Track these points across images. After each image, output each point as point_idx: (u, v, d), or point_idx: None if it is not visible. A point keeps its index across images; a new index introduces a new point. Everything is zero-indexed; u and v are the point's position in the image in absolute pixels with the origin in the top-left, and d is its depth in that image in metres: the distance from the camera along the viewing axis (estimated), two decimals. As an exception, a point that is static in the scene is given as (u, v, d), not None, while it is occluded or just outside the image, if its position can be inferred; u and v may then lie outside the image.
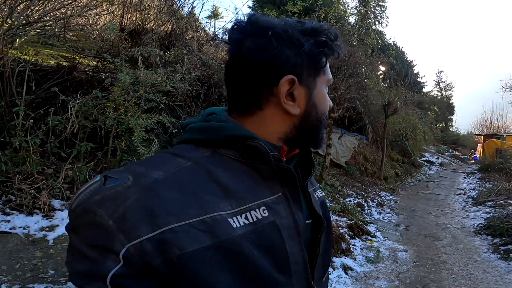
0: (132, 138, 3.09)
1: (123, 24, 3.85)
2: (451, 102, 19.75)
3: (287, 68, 0.49)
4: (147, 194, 0.39)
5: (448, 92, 20.21)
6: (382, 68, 11.00)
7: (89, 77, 3.60)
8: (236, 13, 5.78)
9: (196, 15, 4.37)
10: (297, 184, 0.51)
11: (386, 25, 9.91)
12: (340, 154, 9.50)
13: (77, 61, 3.71)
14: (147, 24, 3.95)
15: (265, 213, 0.45)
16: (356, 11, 10.06)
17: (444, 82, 20.26)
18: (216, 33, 4.81)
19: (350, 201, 6.44)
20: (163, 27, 4.14)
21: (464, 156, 15.92)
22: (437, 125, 17.22)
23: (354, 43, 7.73)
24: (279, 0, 7.96)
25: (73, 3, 3.45)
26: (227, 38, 0.53)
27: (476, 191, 7.77)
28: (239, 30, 0.50)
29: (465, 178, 10.17)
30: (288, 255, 0.46)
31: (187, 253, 0.38)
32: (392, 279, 3.14)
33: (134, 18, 3.88)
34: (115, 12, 3.98)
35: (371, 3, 9.66)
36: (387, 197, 7.12)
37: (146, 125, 3.18)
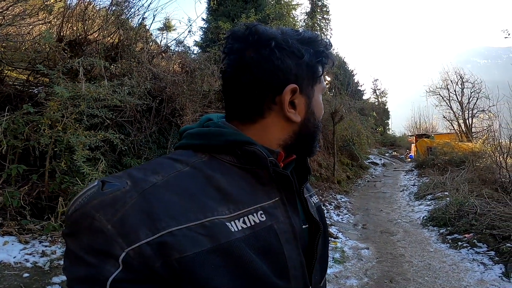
0: (74, 158, 2.72)
1: (61, 34, 3.44)
2: (386, 107, 22.11)
3: (290, 78, 0.50)
4: (146, 198, 0.39)
5: (384, 99, 22.67)
6: (328, 78, 11.83)
7: (18, 91, 3.11)
8: (190, 25, 5.66)
9: (147, 26, 4.15)
10: (294, 189, 0.51)
11: (331, 36, 10.73)
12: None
13: (4, 74, 3.18)
14: (90, 34, 3.59)
15: (262, 217, 0.46)
16: (304, 24, 10.74)
17: (379, 89, 22.69)
18: (169, 45, 4.62)
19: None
20: (109, 38, 3.82)
21: (401, 156, 17.77)
22: (377, 129, 19.01)
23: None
24: (233, 13, 8.10)
25: (4, 12, 2.98)
26: (225, 47, 0.53)
27: (416, 186, 8.63)
28: (240, 40, 0.51)
29: (405, 175, 11.27)
30: (286, 260, 0.46)
31: (186, 257, 0.38)
32: (361, 276, 3.23)
33: (75, 28, 3.50)
34: (53, 22, 3.55)
35: (318, 16, 10.43)
36: (343, 199, 7.48)
37: (89, 143, 2.84)
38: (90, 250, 0.37)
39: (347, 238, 4.43)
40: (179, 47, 4.59)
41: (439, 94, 16.60)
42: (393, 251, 3.96)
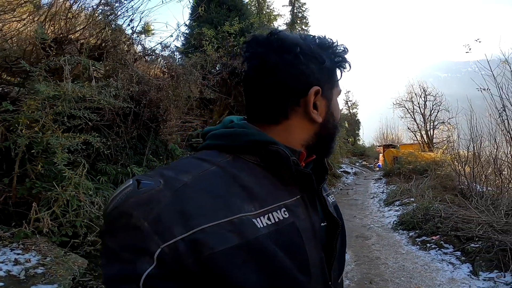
0: (53, 161, 2.57)
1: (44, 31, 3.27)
2: (357, 118, 23.28)
3: (313, 81, 0.53)
4: (179, 197, 0.41)
5: (355, 110, 23.83)
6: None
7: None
8: (178, 29, 5.60)
9: (134, 28, 4.07)
10: (314, 188, 0.53)
11: None
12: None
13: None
14: (73, 34, 3.45)
15: (285, 215, 0.47)
16: None
17: (351, 101, 23.86)
18: (154, 48, 4.54)
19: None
20: (94, 37, 3.69)
21: (371, 165, 18.72)
22: (348, 140, 19.86)
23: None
24: (217, 21, 8.13)
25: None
26: (246, 51, 0.55)
27: (385, 193, 9.12)
28: (263, 45, 0.53)
29: (375, 183, 11.86)
30: (307, 256, 0.48)
31: (217, 253, 0.39)
32: (342, 279, 3.35)
33: (57, 26, 3.35)
34: (28, 19, 3.36)
35: (297, 27, 10.79)
36: None
37: (69, 146, 2.71)
38: (126, 247, 0.39)
39: (326, 243, 4.56)
40: (164, 51, 4.56)
41: (404, 107, 17.87)
42: (369, 254, 4.16)
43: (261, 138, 0.50)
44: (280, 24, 11.65)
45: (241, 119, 0.58)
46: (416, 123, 17.15)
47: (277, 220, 0.46)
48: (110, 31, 3.56)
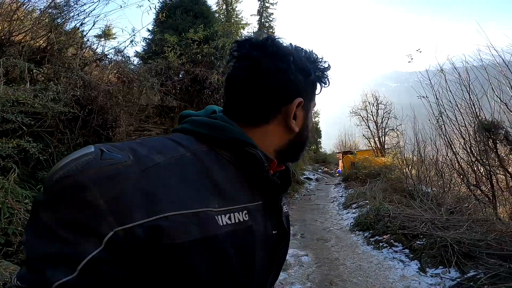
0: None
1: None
2: (318, 126, 24.35)
3: (298, 92, 0.55)
4: (149, 177, 0.37)
5: (316, 119, 24.94)
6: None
7: None
8: (134, 35, 5.35)
9: (84, 32, 3.79)
10: (277, 197, 0.55)
11: None
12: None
13: None
14: (16, 36, 3.12)
15: (246, 217, 0.47)
16: None
17: (313, 110, 25.07)
18: (106, 53, 4.28)
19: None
20: (38, 40, 3.37)
21: (331, 171, 19.57)
22: (311, 147, 20.62)
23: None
24: (182, 27, 7.93)
25: None
26: (239, 52, 0.55)
27: (343, 197, 9.56)
28: (258, 48, 0.54)
29: (335, 188, 12.38)
30: (255, 261, 0.48)
31: (176, 244, 0.37)
32: (304, 281, 3.40)
33: (0, 27, 3.01)
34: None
35: (263, 36, 11.10)
36: None
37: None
38: (69, 224, 0.34)
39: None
40: (117, 56, 4.31)
41: (360, 115, 19.12)
42: (329, 255, 4.28)
43: (243, 138, 0.50)
44: (247, 33, 11.94)
45: (221, 111, 0.57)
46: (370, 130, 18.44)
47: (237, 221, 0.45)
48: (56, 34, 3.28)
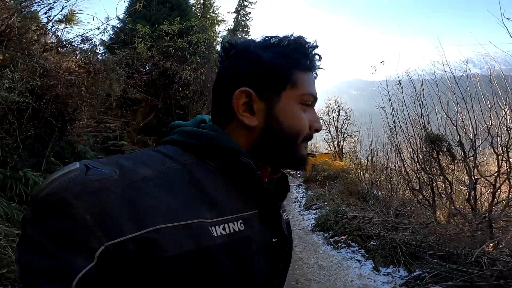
0: None
1: None
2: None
3: (244, 83, 0.51)
4: (135, 191, 0.38)
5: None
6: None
7: None
8: (106, 22, 4.90)
9: (50, 18, 3.38)
10: (273, 204, 0.53)
11: None
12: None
13: None
14: None
15: (241, 227, 0.46)
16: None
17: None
18: (71, 40, 3.87)
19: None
20: None
21: (293, 173, 20.24)
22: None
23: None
24: (155, 18, 7.46)
25: None
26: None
27: (304, 198, 9.97)
28: (223, 52, 0.55)
29: (296, 189, 12.82)
30: (254, 271, 0.47)
31: (168, 256, 0.37)
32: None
33: None
34: None
35: (238, 34, 10.86)
36: None
37: None
38: (59, 240, 0.34)
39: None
40: (85, 44, 3.94)
41: (322, 119, 20.08)
42: (293, 255, 4.45)
43: (230, 146, 0.48)
44: (222, 30, 11.65)
45: (210, 120, 0.56)
46: (330, 135, 19.48)
47: (232, 231, 0.44)
48: (19, 18, 2.91)
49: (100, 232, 0.34)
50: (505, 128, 4.85)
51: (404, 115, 6.75)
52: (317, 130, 0.56)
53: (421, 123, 6.19)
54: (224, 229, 0.44)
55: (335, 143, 19.23)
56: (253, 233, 0.48)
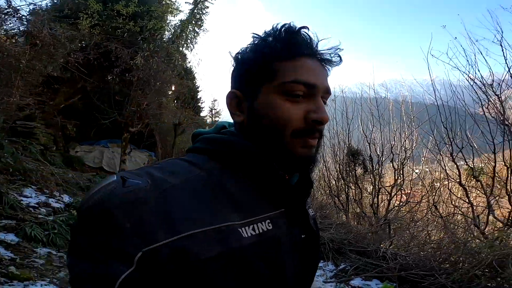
0: None
1: None
2: (218, 127, 24.73)
3: (234, 85, 0.55)
4: (166, 199, 0.40)
5: (217, 119, 25.23)
6: (173, 88, 11.86)
7: None
8: None
9: None
10: (298, 201, 0.54)
11: (191, 49, 10.84)
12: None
13: None
14: None
15: (269, 226, 0.48)
16: (173, 31, 10.29)
17: (216, 109, 25.19)
18: (18, 8, 3.16)
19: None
20: None
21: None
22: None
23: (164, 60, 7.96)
24: None
25: None
26: None
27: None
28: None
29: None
30: (285, 269, 0.48)
31: (201, 260, 0.39)
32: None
33: None
34: None
35: (190, 26, 10.32)
36: None
37: None
38: (102, 247, 0.37)
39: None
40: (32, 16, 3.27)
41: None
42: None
43: (247, 149, 0.50)
44: (175, 19, 10.94)
45: (232, 125, 0.58)
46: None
47: (261, 231, 0.46)
48: None
49: (138, 240, 0.36)
50: (403, 148, 6.16)
51: (334, 130, 7.77)
52: (317, 122, 0.50)
53: (346, 138, 7.25)
54: (253, 229, 0.45)
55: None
56: (281, 232, 0.49)
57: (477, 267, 2.99)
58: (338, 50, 0.54)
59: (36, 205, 4.03)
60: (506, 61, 3.76)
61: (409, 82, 8.05)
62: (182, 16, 10.16)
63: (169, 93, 9.94)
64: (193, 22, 9.86)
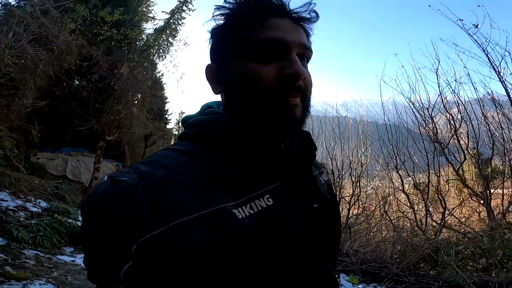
0: None
1: None
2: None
3: (211, 59, 0.55)
4: (153, 191, 0.40)
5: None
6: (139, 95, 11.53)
7: None
8: None
9: None
10: (299, 169, 0.51)
11: (163, 59, 10.80)
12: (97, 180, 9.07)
13: None
14: None
15: (269, 201, 0.46)
16: (145, 38, 10.16)
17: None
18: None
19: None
20: None
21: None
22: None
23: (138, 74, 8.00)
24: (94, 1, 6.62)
25: None
26: None
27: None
28: None
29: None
30: (297, 241, 0.46)
31: (196, 246, 0.39)
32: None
33: None
34: None
35: (164, 36, 10.22)
36: None
37: None
38: (103, 244, 0.39)
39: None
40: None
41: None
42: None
43: (228, 124, 0.49)
44: (150, 27, 10.86)
45: (220, 104, 0.56)
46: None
47: (260, 208, 0.45)
48: None
49: (131, 233, 0.38)
50: (360, 163, 7.05)
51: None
52: (291, 77, 0.46)
53: (313, 154, 8.00)
54: (251, 207, 0.44)
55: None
56: (284, 205, 0.47)
57: (419, 257, 3.76)
58: (311, 5, 0.51)
59: (15, 209, 3.95)
60: (439, 87, 4.75)
61: (366, 102, 9.21)
62: (159, 24, 10.24)
63: (143, 103, 9.93)
64: (168, 31, 9.88)
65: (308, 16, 0.51)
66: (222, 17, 0.51)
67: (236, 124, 0.49)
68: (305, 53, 0.50)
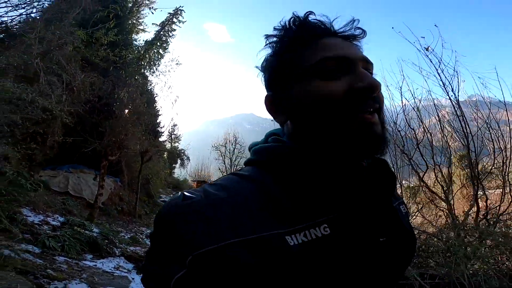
0: None
1: None
2: (178, 151, 24.48)
3: (268, 90, 0.57)
4: (215, 211, 0.43)
5: (176, 144, 25.05)
6: (126, 110, 11.67)
7: None
8: None
9: None
10: (377, 200, 0.51)
11: (154, 71, 11.10)
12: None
13: None
14: None
15: (326, 231, 0.46)
16: (136, 51, 10.19)
17: (175, 134, 24.93)
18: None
19: (123, 235, 7.21)
20: None
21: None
22: (165, 171, 20.98)
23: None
24: (92, 22, 6.70)
25: None
26: None
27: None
28: None
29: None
30: (351, 276, 0.46)
31: (243, 267, 0.41)
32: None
33: None
34: None
35: (154, 48, 10.40)
36: (147, 231, 8.61)
37: None
38: (164, 251, 0.43)
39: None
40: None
41: (219, 150, 21.73)
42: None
43: (286, 151, 0.50)
44: (140, 39, 11.04)
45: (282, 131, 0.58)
46: (225, 165, 21.30)
47: (314, 237, 0.45)
48: None
49: (190, 244, 0.41)
50: None
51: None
52: (365, 90, 0.46)
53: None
54: (305, 236, 0.45)
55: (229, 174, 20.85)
56: (342, 235, 0.46)
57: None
58: (355, 22, 0.52)
59: (40, 223, 4.52)
60: (402, 104, 5.54)
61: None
62: (148, 37, 10.47)
63: (139, 121, 10.48)
64: (158, 43, 10.14)
65: (356, 33, 0.53)
66: (275, 44, 0.53)
67: (305, 149, 0.49)
68: (368, 68, 0.51)
